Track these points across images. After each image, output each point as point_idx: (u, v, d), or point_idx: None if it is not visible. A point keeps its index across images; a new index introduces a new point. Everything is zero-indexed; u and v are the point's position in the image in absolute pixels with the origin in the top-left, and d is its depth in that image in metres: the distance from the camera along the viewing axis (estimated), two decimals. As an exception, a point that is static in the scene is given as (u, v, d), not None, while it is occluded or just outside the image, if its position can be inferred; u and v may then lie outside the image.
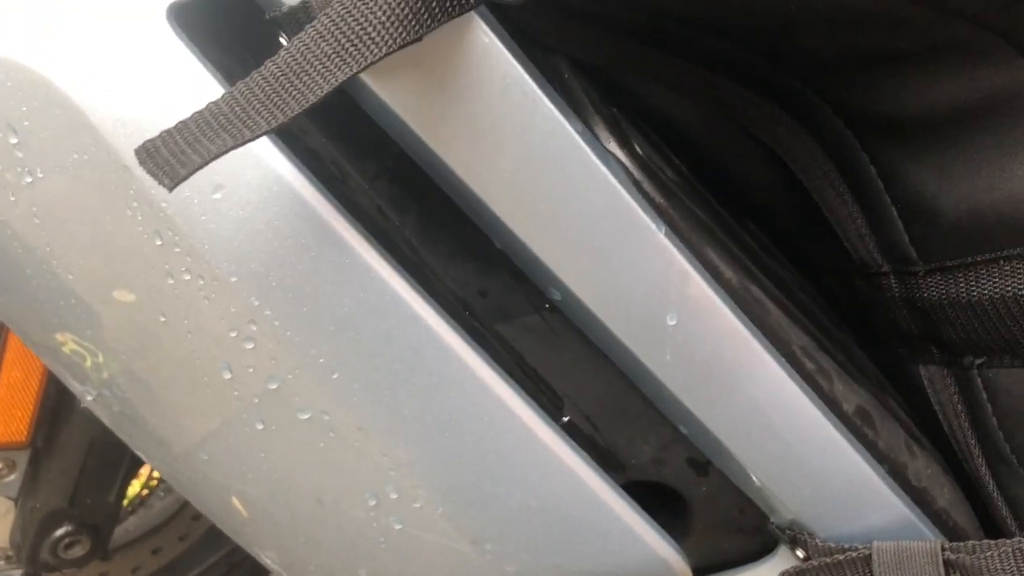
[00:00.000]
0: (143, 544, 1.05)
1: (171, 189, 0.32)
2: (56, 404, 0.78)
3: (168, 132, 0.33)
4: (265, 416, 0.46)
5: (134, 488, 1.01)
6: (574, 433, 0.48)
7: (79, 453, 0.80)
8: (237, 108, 0.33)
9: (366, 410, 0.44)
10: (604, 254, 0.42)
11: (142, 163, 0.33)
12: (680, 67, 0.46)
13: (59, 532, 0.84)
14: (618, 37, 0.45)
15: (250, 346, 0.43)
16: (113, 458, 0.83)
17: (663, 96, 0.49)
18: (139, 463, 0.88)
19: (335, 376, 0.43)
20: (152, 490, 1.03)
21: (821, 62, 0.42)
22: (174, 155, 0.33)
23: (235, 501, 0.52)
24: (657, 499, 0.51)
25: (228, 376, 0.45)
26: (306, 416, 0.45)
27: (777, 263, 0.53)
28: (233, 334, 0.43)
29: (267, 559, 0.60)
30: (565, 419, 0.49)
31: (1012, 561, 0.44)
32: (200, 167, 0.32)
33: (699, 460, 0.50)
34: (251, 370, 0.44)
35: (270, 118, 0.33)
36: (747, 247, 0.49)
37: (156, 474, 1.03)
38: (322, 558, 0.55)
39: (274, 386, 0.44)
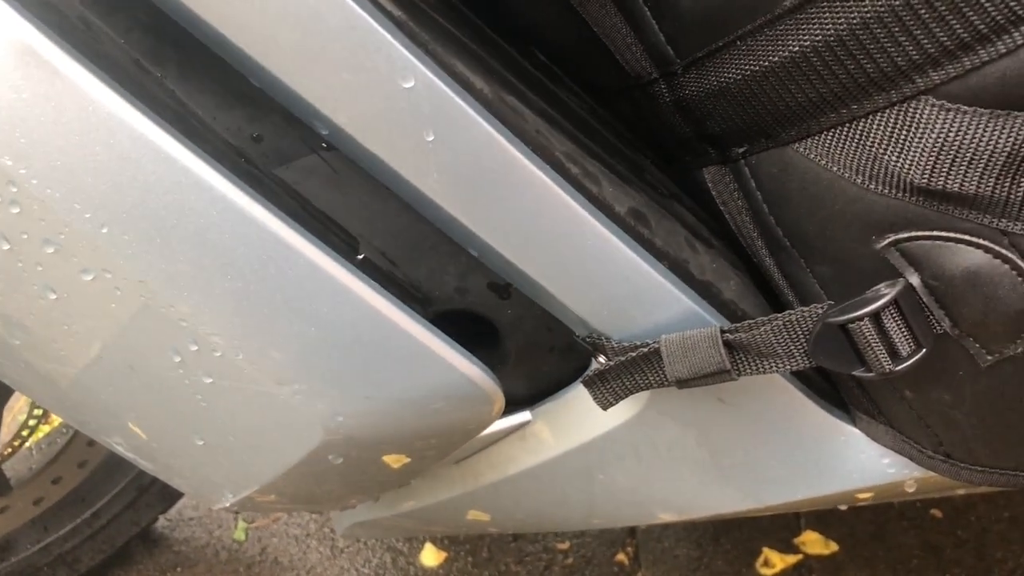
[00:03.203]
0: (42, 475, 1.05)
1: None
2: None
3: None
4: (53, 283, 0.46)
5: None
6: (372, 269, 0.49)
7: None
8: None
9: (143, 262, 0.44)
10: (350, 74, 0.42)
11: None
12: None
13: (-63, 462, 0.84)
14: None
15: (16, 210, 0.43)
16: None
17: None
18: (7, 390, 0.87)
19: (104, 230, 0.43)
20: (36, 428, 1.02)
21: None
22: None
23: (54, 375, 0.52)
24: (471, 333, 0.52)
25: (6, 247, 0.45)
26: (90, 277, 0.45)
27: (564, 89, 0.54)
28: (-5, 199, 0.43)
29: (117, 446, 0.61)
30: (360, 256, 0.49)
31: (784, 332, 0.46)
32: None
33: (498, 283, 0.51)
34: (25, 236, 0.44)
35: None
36: (519, 69, 0.50)
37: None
38: (156, 433, 0.56)
39: (51, 250, 0.44)
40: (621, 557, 1.24)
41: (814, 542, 1.18)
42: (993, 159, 0.38)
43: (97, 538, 1.10)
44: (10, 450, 0.99)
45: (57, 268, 0.45)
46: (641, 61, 0.48)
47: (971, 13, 0.35)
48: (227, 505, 0.62)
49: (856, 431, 0.53)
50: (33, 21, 0.40)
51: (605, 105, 0.56)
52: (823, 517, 1.21)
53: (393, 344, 0.48)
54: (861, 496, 0.56)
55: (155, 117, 0.42)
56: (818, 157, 0.43)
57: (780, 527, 1.20)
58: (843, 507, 1.17)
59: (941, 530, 1.20)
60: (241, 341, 0.46)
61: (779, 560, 1.16)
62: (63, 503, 1.07)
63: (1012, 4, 0.34)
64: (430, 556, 1.23)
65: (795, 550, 1.17)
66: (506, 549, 1.25)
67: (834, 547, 1.17)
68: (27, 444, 1.04)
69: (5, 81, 0.40)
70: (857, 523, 1.20)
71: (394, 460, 0.56)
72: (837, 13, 0.38)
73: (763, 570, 1.16)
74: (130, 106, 0.41)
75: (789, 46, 0.40)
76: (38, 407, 0.98)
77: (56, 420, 1.15)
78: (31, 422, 0.99)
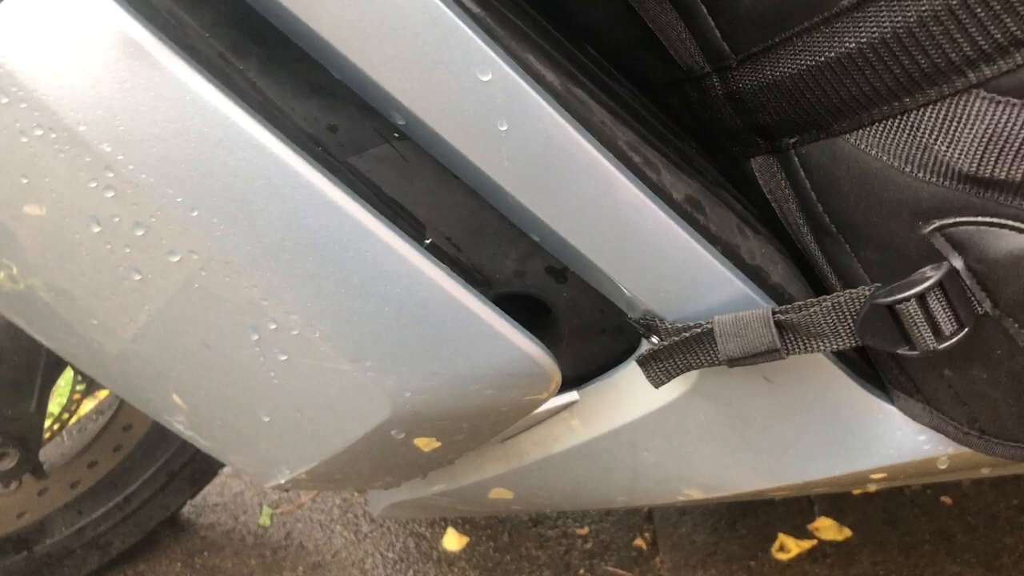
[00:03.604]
0: (79, 459, 1.07)
1: None
2: (-40, 316, 0.79)
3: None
4: (139, 265, 0.49)
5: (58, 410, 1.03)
6: (438, 253, 0.52)
7: (-10, 365, 0.82)
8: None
9: (229, 243, 0.47)
10: (431, 67, 0.44)
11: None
12: None
13: (-14, 446, 0.87)
14: None
15: (110, 194, 0.46)
16: (26, 366, 0.85)
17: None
18: (55, 372, 0.90)
19: (195, 214, 0.46)
20: (74, 414, 1.04)
21: None
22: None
23: (128, 354, 0.54)
24: (530, 313, 0.55)
25: (97, 229, 0.47)
26: (176, 258, 0.48)
27: (617, 83, 0.57)
28: (92, 184, 0.45)
29: (177, 424, 0.63)
30: (428, 241, 0.52)
31: (833, 313, 0.49)
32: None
33: (556, 267, 0.54)
34: (117, 219, 0.47)
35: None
36: (579, 63, 0.52)
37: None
38: (223, 409, 0.58)
39: (140, 232, 0.47)
40: (639, 542, 1.26)
41: (828, 528, 1.21)
42: (1039, 148, 0.41)
43: (128, 522, 1.13)
44: (48, 435, 1.02)
45: (145, 250, 0.48)
46: (695, 56, 0.51)
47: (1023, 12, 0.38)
48: (281, 482, 0.65)
49: (894, 409, 0.56)
50: (133, 14, 0.43)
51: (651, 97, 0.59)
52: (837, 504, 1.24)
53: (459, 323, 0.50)
54: (892, 474, 0.59)
55: (244, 106, 0.45)
56: (868, 147, 0.46)
57: (795, 513, 1.23)
58: (856, 491, 1.20)
59: (952, 517, 1.23)
60: (318, 320, 0.49)
61: (794, 545, 1.19)
62: (97, 487, 1.09)
63: (1063, 4, 0.37)
64: (452, 540, 1.26)
65: (809, 536, 1.20)
66: (526, 534, 1.27)
67: (848, 533, 1.20)
68: (62, 430, 1.06)
69: (108, 72, 0.42)
70: (870, 510, 1.23)
71: (449, 437, 0.59)
72: (895, 11, 0.40)
73: (778, 555, 1.19)
74: (223, 96, 0.44)
75: (846, 43, 0.43)
76: (75, 394, 1.01)
77: (85, 407, 1.17)
78: (70, 408, 1.01)
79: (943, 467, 0.58)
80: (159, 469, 1.12)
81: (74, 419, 1.06)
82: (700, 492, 0.67)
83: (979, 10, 0.38)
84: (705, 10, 0.48)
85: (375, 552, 1.24)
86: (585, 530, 1.28)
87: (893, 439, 0.56)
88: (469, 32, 0.43)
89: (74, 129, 0.43)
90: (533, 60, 0.45)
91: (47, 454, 1.06)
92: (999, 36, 0.39)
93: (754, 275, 0.52)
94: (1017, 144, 0.41)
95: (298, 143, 0.47)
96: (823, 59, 0.44)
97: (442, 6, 0.43)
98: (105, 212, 0.46)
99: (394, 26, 0.43)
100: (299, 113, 0.49)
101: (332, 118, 0.50)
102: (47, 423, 0.97)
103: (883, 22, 0.41)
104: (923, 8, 0.39)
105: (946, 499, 1.28)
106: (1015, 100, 0.40)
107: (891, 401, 0.56)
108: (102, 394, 1.16)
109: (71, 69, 0.43)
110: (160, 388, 0.58)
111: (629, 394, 0.60)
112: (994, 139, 0.41)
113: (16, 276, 0.54)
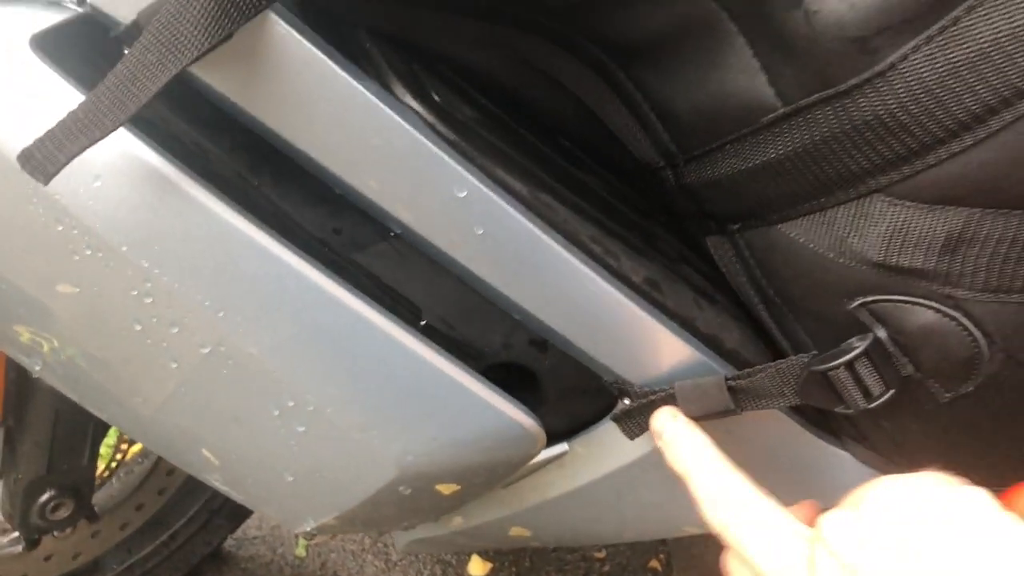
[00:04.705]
0: (127, 503, 1.16)
1: (46, 183, 0.42)
2: (19, 384, 0.88)
3: (40, 139, 0.43)
4: (175, 355, 0.57)
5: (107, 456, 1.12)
6: (433, 334, 0.59)
7: (48, 424, 0.91)
8: (90, 113, 0.43)
9: (252, 337, 0.54)
10: (417, 188, 0.52)
11: (22, 166, 0.43)
12: (470, 25, 0.56)
13: (43, 497, 0.96)
14: (412, 7, 0.55)
15: (149, 300, 0.54)
16: (79, 425, 0.93)
17: (464, 49, 0.59)
18: (104, 427, 0.99)
19: (221, 314, 0.54)
20: (122, 461, 1.13)
21: (570, 6, 0.52)
22: (45, 157, 0.43)
23: (172, 430, 0.63)
24: (516, 380, 0.63)
25: (139, 328, 0.56)
26: (207, 350, 0.56)
27: (587, 172, 0.64)
28: (134, 292, 0.53)
29: (215, 482, 0.72)
30: (423, 323, 0.60)
31: (777, 378, 0.56)
32: (65, 164, 0.42)
33: (537, 339, 0.61)
34: (155, 320, 0.55)
35: (115, 118, 0.43)
36: (550, 162, 0.60)
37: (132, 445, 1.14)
38: (253, 470, 0.66)
39: (175, 330, 0.55)
40: (654, 563, 1.33)
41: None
42: (933, 242, 0.47)
43: (174, 558, 1.21)
44: (99, 481, 1.11)
45: (180, 344, 0.56)
46: (650, 152, 0.58)
47: (905, 137, 0.45)
48: (308, 529, 0.72)
49: (846, 454, 0.63)
50: (160, 152, 0.51)
51: (623, 180, 0.66)
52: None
53: (452, 395, 0.58)
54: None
55: (257, 221, 0.53)
56: (798, 235, 0.53)
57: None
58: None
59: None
60: (329, 397, 0.57)
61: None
62: (145, 527, 1.18)
63: (934, 130, 0.44)
64: (477, 567, 1.33)
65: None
66: (547, 559, 1.34)
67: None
68: (112, 477, 1.15)
69: (146, 203, 0.50)
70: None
71: (449, 489, 0.66)
72: (803, 130, 0.47)
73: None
74: (239, 215, 0.52)
75: (768, 152, 0.50)
76: (123, 444, 1.10)
77: (133, 449, 1.26)
78: (117, 456, 1.10)
79: (898, 503, 0.65)
80: (200, 508, 1.20)
81: (121, 463, 1.15)
82: (695, 528, 0.74)
83: (868, 134, 0.45)
84: (655, 117, 0.55)
85: (404, 579, 1.32)
86: (603, 554, 1.35)
87: (847, 480, 0.63)
88: (446, 157, 0.51)
89: (117, 249, 0.52)
90: (503, 174, 0.53)
91: (98, 498, 1.15)
92: (887, 153, 0.46)
93: (710, 343, 0.59)
94: (913, 239, 0.48)
95: (306, 247, 0.55)
96: (751, 164, 0.51)
97: (422, 138, 0.50)
98: (145, 314, 0.55)
99: (385, 156, 0.51)
100: (307, 219, 0.57)
101: (336, 222, 0.58)
102: (98, 469, 1.06)
103: (795, 138, 0.48)
104: (825, 130, 0.46)
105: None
106: (909, 203, 0.47)
107: (842, 447, 0.63)
108: (146, 440, 1.25)
109: (113, 201, 0.51)
110: (196, 451, 0.66)
111: (612, 444, 0.67)
112: (895, 234, 0.48)
113: (66, 356, 0.62)
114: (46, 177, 0.42)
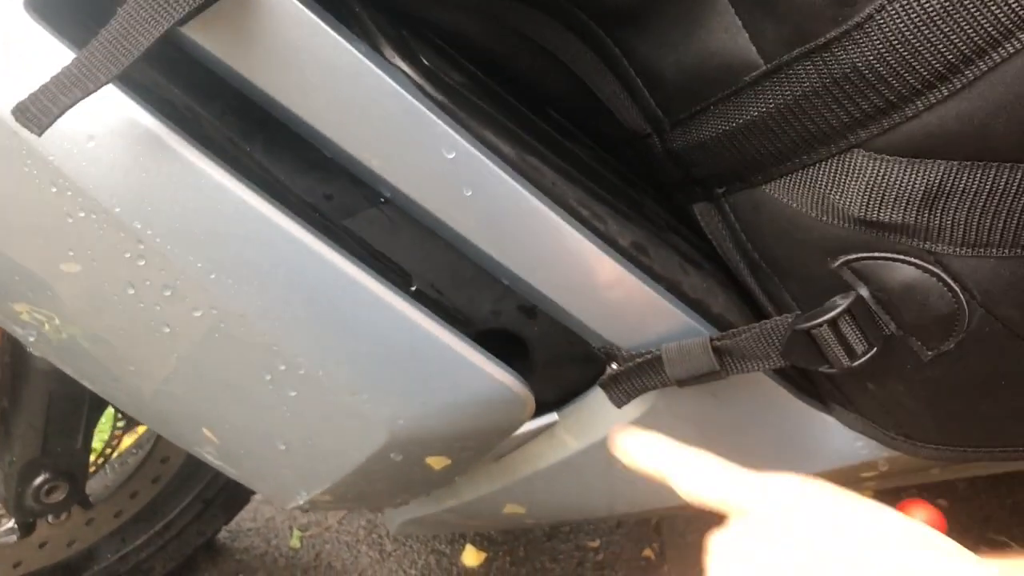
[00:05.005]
0: (121, 490, 1.17)
1: (39, 135, 0.43)
2: (13, 367, 0.88)
3: (34, 93, 0.44)
4: (168, 319, 0.57)
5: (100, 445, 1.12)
6: (423, 298, 0.60)
7: (42, 407, 0.91)
8: (83, 68, 0.44)
9: (243, 300, 0.55)
10: (406, 149, 0.53)
11: (17, 119, 0.44)
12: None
13: (38, 480, 0.96)
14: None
15: (142, 262, 0.54)
16: (73, 407, 0.94)
17: (455, 17, 0.60)
18: (98, 411, 0.99)
19: (213, 276, 0.54)
20: (116, 447, 1.13)
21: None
22: (39, 110, 0.43)
23: (161, 396, 0.63)
24: (506, 349, 0.63)
25: (132, 292, 0.56)
26: (199, 313, 0.56)
27: (575, 142, 0.65)
28: (127, 255, 0.54)
29: (208, 455, 0.72)
30: (413, 288, 0.60)
31: (761, 339, 0.57)
32: (59, 116, 0.43)
33: (526, 305, 0.62)
34: (148, 283, 0.56)
35: (108, 72, 0.44)
36: (538, 130, 0.60)
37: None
38: (246, 440, 0.67)
39: (168, 293, 0.56)
40: (648, 552, 1.33)
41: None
42: (912, 196, 0.48)
43: (168, 547, 1.21)
44: (93, 468, 1.11)
45: (172, 307, 0.56)
46: (638, 120, 0.59)
47: (883, 89, 0.45)
48: (300, 503, 0.73)
49: (831, 419, 0.63)
50: (154, 113, 0.52)
51: (612, 151, 0.67)
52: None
53: (442, 359, 0.59)
54: (835, 478, 0.66)
55: (250, 184, 0.54)
56: (781, 196, 0.53)
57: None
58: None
59: (947, 517, 1.28)
60: (321, 360, 0.57)
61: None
62: (139, 516, 1.18)
63: (912, 81, 0.45)
64: (471, 556, 1.33)
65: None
66: (541, 548, 1.35)
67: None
68: (105, 464, 1.16)
69: (139, 164, 0.51)
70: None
71: (440, 464, 0.67)
72: (785, 87, 0.48)
73: (780, 560, 1.25)
74: (232, 177, 0.53)
75: (750, 111, 0.51)
76: (116, 431, 1.10)
77: (126, 442, 1.27)
78: (111, 445, 1.11)
79: (884, 469, 0.66)
80: (195, 498, 1.20)
81: (116, 454, 1.15)
82: (685, 501, 0.74)
83: (847, 86, 0.46)
84: (641, 83, 0.56)
85: (399, 570, 1.32)
86: (596, 543, 1.35)
87: (833, 445, 0.64)
88: (435, 118, 0.52)
89: (110, 211, 0.52)
90: (491, 136, 0.54)
91: (92, 487, 1.15)
92: (867, 107, 0.46)
93: (696, 307, 0.60)
94: (893, 193, 0.49)
95: (298, 212, 0.56)
96: (735, 124, 0.52)
97: (411, 99, 0.51)
98: (138, 277, 0.55)
99: (374, 116, 0.51)
100: (299, 185, 0.58)
101: (327, 188, 0.58)
102: (91, 458, 1.07)
103: (777, 95, 0.49)
104: (806, 85, 0.47)
105: (942, 501, 1.34)
106: (888, 157, 0.48)
107: (828, 411, 0.64)
108: (140, 429, 1.26)
109: (106, 162, 0.51)
110: (191, 424, 0.67)
111: (601, 414, 0.68)
112: (875, 189, 0.49)
113: (60, 327, 0.63)
114: (40, 128, 0.43)
